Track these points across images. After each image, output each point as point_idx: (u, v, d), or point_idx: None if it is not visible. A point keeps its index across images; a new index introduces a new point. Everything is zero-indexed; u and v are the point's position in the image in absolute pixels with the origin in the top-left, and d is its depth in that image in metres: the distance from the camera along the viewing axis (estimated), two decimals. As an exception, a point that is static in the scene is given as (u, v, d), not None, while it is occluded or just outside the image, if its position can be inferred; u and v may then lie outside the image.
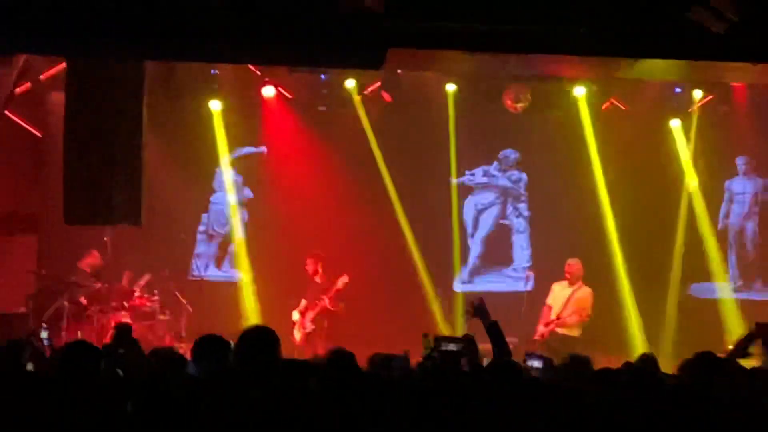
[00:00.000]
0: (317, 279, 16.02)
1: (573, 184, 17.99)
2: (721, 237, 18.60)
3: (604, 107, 17.90)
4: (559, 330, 15.17)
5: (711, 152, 18.16)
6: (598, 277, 16.84)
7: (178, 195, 17.41)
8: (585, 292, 15.40)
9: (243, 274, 17.80)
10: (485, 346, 8.40)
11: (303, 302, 15.99)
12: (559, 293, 15.46)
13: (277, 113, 17.65)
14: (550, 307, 15.38)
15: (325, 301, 15.79)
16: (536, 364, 8.92)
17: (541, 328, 15.23)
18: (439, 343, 8.72)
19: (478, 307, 8.53)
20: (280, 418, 5.50)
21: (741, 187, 18.67)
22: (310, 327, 15.79)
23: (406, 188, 17.84)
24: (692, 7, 11.11)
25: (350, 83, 17.15)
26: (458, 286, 18.30)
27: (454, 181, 18.34)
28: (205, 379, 6.60)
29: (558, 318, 15.18)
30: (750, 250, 18.68)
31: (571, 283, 15.42)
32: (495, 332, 8.24)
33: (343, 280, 15.79)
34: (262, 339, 6.53)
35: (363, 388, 6.17)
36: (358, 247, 17.46)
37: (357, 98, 17.43)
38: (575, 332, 15.18)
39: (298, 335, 15.82)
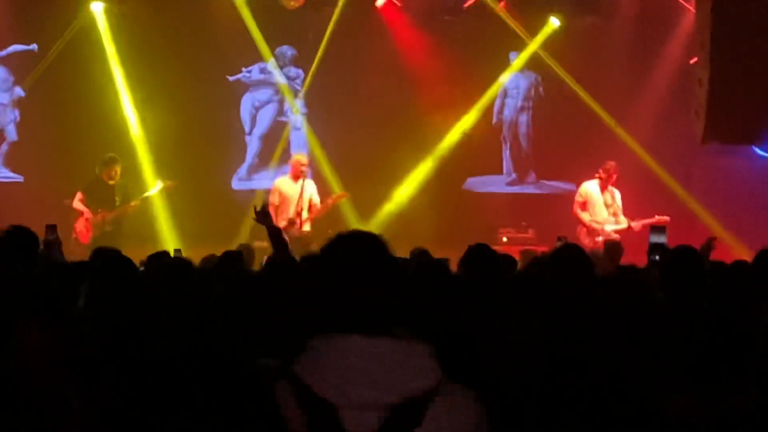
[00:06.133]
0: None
1: (349, 80, 18.09)
2: (496, 131, 19.00)
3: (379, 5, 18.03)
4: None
5: (485, 48, 18.42)
6: (371, 172, 17.30)
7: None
8: (312, 186, 15.17)
9: (16, 174, 17.49)
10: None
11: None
12: (289, 189, 14.83)
13: (51, 10, 17.18)
14: (275, 207, 14.58)
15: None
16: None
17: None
18: None
19: (261, 213, 8.68)
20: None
21: (514, 82, 19.01)
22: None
23: (183, 88, 17.55)
24: None
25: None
26: (236, 184, 18.31)
27: (230, 78, 18.29)
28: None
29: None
30: (524, 144, 19.10)
31: (297, 179, 14.83)
32: (276, 237, 8.43)
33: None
34: (18, 240, 6.49)
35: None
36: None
37: None
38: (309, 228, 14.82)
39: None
